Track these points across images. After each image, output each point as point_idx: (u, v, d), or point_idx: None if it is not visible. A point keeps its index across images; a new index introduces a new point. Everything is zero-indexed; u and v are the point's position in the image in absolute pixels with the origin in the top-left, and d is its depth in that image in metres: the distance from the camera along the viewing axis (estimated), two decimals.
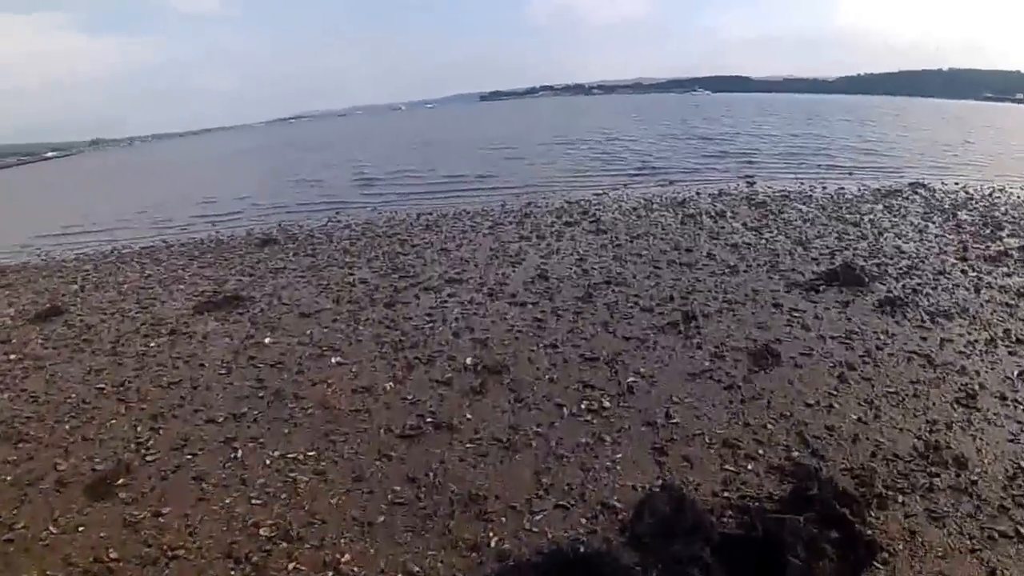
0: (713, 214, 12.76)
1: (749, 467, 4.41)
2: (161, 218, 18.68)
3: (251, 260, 11.72)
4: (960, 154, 23.53)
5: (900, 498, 4.02)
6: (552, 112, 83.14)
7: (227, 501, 4.48)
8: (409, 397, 5.75)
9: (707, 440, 4.77)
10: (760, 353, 6.05)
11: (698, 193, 15.52)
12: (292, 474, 4.73)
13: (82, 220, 19.48)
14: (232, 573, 3.79)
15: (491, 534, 3.95)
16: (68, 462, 5.14)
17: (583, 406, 5.34)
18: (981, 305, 7.22)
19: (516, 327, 7.23)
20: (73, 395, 6.31)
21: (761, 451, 4.59)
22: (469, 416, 5.34)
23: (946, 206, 12.76)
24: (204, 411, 5.81)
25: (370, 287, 9.30)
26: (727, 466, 4.44)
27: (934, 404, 5.14)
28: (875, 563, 3.46)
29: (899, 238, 10.36)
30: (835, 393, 5.35)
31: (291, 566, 3.81)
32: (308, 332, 7.57)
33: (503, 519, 4.08)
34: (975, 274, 8.32)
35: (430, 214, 15.21)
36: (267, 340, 7.40)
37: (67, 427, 5.69)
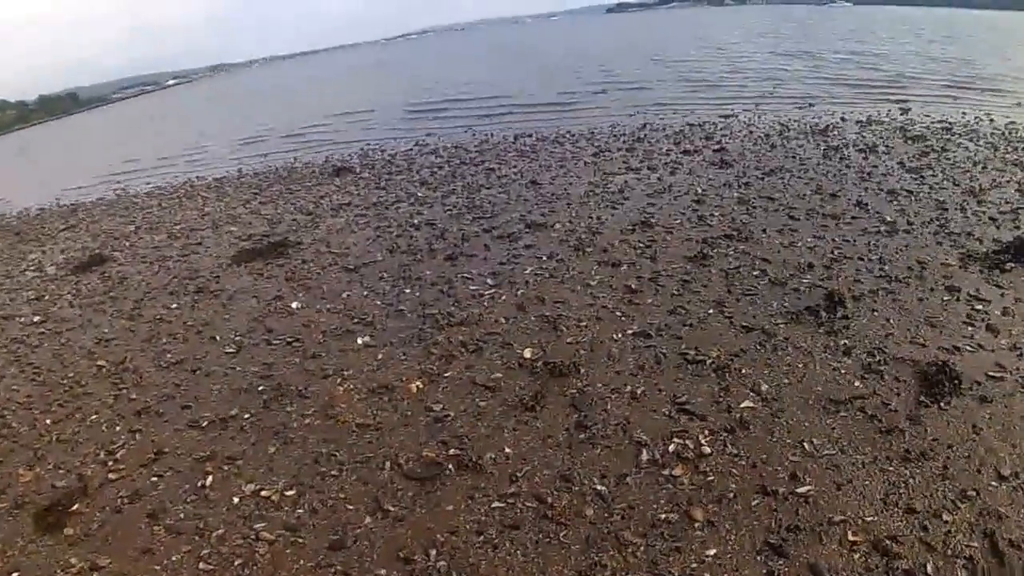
0: (862, 147, 10.00)
1: None
2: (244, 145, 18.13)
3: (317, 193, 10.63)
4: None
5: None
6: (679, 26, 74.76)
7: (173, 559, 3.43)
8: (436, 408, 4.29)
9: (850, 535, 3.07)
10: (933, 373, 4.12)
11: (843, 119, 12.43)
12: (258, 526, 3.53)
13: (172, 150, 19.44)
14: None
15: None
16: (33, 472, 4.37)
17: (671, 449, 3.71)
18: None
19: (600, 300, 5.52)
20: (72, 374, 5.54)
21: (931, 568, 2.87)
22: (508, 451, 3.82)
23: None
24: (193, 408, 4.74)
25: (436, 231, 7.82)
26: None
27: None
28: None
29: None
30: None
31: None
32: (344, 295, 6.27)
33: None
34: None
35: (528, 136, 13.34)
36: (295, 304, 6.21)
37: (48, 421, 4.90)
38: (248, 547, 3.41)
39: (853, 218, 6.92)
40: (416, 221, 8.36)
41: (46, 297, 7.56)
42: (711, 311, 5.17)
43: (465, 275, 6.39)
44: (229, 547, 3.43)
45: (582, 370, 4.53)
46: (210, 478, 3.97)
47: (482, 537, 3.26)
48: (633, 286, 5.71)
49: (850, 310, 4.99)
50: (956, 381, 4.04)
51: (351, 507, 3.57)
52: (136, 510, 3.83)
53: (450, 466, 3.75)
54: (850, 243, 6.26)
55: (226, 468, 4.03)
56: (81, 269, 8.38)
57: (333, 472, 3.84)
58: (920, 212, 6.98)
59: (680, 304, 5.31)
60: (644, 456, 3.66)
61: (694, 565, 2.96)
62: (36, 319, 6.87)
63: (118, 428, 4.63)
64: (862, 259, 5.90)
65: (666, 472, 3.53)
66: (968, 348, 4.42)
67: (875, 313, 4.97)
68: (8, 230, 12.01)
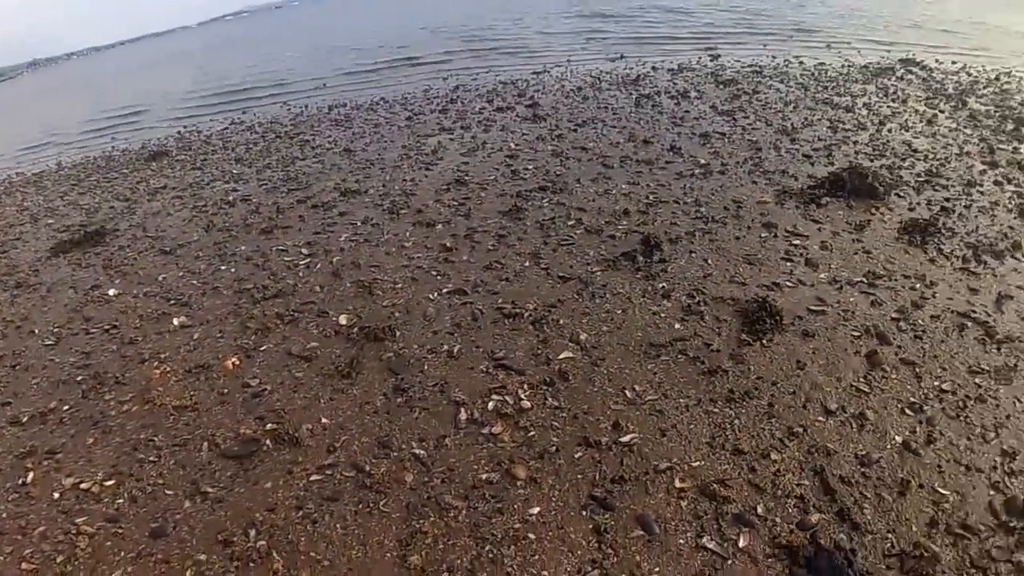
0: (674, 94, 10.42)
1: (740, 542, 2.83)
2: (62, 138, 16.53)
3: (134, 180, 10.12)
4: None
5: None
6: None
7: None
8: (253, 384, 4.26)
9: (677, 481, 3.13)
10: (754, 310, 4.29)
11: (654, 68, 12.80)
12: (79, 520, 3.42)
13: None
14: None
15: None
16: None
17: (490, 407, 3.75)
18: None
19: (415, 261, 5.55)
20: None
21: (761, 509, 2.97)
22: (325, 421, 3.84)
23: (950, 90, 9.85)
24: (13, 404, 4.51)
25: (251, 206, 7.63)
26: (706, 541, 2.84)
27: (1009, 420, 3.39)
28: None
29: (906, 130, 7.92)
30: (866, 390, 3.63)
31: None
32: (161, 278, 6.06)
33: None
34: (1013, 188, 6.10)
35: (343, 106, 13.17)
36: (112, 292, 5.94)
37: None
38: (69, 542, 3.28)
39: (667, 163, 7.14)
40: (231, 198, 8.11)
41: None
42: (527, 264, 5.23)
43: (279, 247, 6.28)
44: (51, 544, 3.29)
45: (398, 333, 4.52)
46: (31, 474, 3.78)
47: (301, 512, 3.22)
48: (448, 244, 5.72)
49: (667, 253, 5.12)
50: (777, 317, 4.16)
51: (170, 492, 3.51)
52: None
53: (267, 441, 3.72)
54: (665, 187, 6.43)
55: (46, 463, 3.87)
56: None
57: (151, 458, 3.75)
58: (734, 153, 7.28)
59: (496, 259, 5.36)
60: (463, 415, 3.67)
61: (517, 525, 2.95)
62: None
63: None
64: (677, 202, 6.06)
65: (486, 431, 3.54)
66: (788, 284, 4.61)
67: (693, 255, 5.09)
68: None
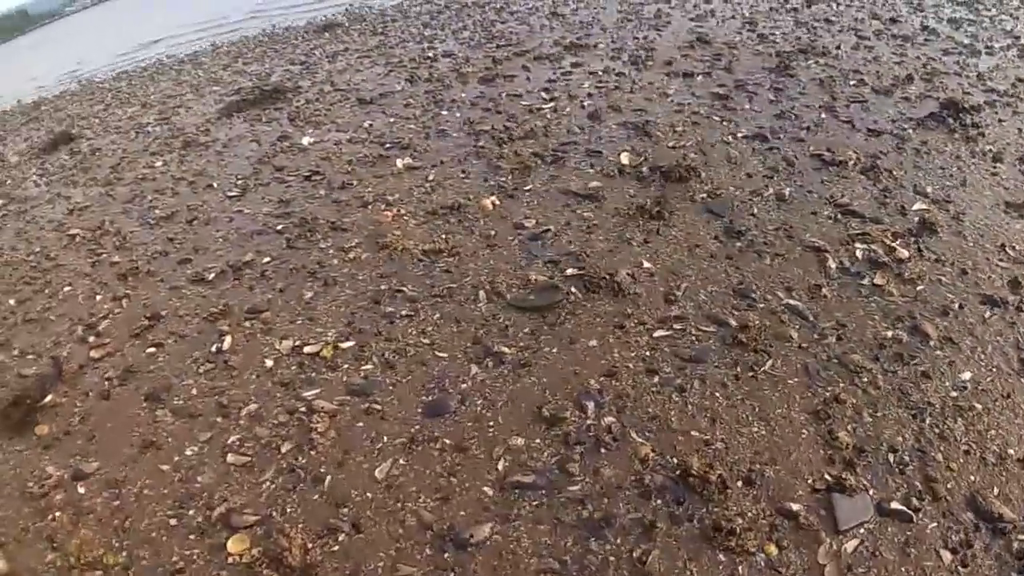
0: None
1: None
2: (212, 23, 16.09)
3: (306, 47, 9.22)
4: None
5: None
6: None
7: (187, 454, 2.49)
8: (528, 224, 3.25)
9: None
10: None
11: None
12: (308, 394, 2.58)
13: (131, 39, 17.39)
14: None
15: None
16: None
17: (859, 255, 2.88)
18: None
19: (688, 107, 4.46)
20: (38, 248, 4.45)
21: None
22: (648, 266, 2.88)
23: None
24: (193, 261, 3.71)
25: (457, 61, 6.53)
26: None
27: None
28: None
29: None
30: None
31: None
32: (366, 124, 5.11)
33: None
34: None
35: None
36: (306, 140, 5.07)
37: (12, 301, 3.86)
38: (298, 425, 2.44)
39: (926, 40, 5.68)
40: (431, 54, 7.00)
41: (7, 183, 6.32)
42: (824, 116, 4.23)
43: (510, 93, 5.24)
44: (269, 427, 2.48)
45: (702, 174, 3.59)
46: (228, 339, 2.96)
47: (657, 379, 2.36)
48: (720, 93, 4.67)
49: (978, 118, 4.06)
50: None
51: (443, 355, 2.57)
52: (130, 393, 2.84)
53: (572, 289, 2.68)
54: (936, 60, 5.12)
55: (249, 324, 3.04)
56: (46, 150, 7.12)
57: (404, 312, 2.83)
58: (994, 36, 5.62)
59: (783, 109, 4.33)
60: (831, 264, 2.83)
61: (953, 393, 2.21)
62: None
63: (98, 297, 3.62)
64: (958, 75, 4.80)
65: (865, 281, 2.74)
66: None
67: (1003, 122, 4.06)
68: None
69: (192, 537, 2.20)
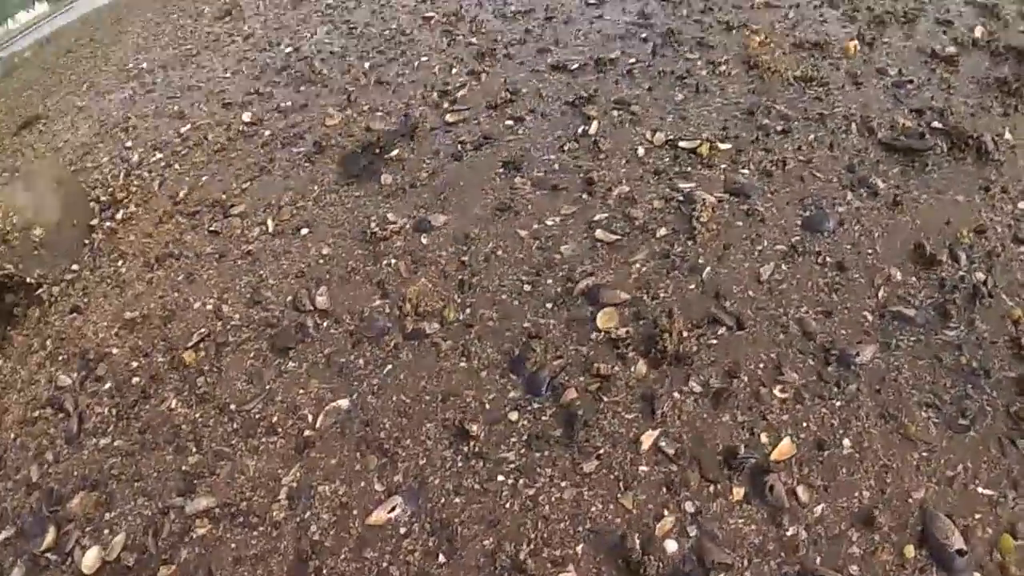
0: None
1: None
2: None
3: None
4: None
5: None
6: None
7: (549, 223, 2.85)
8: (891, 72, 3.43)
9: None
10: None
11: None
12: (683, 185, 2.91)
13: None
14: None
15: None
16: (343, 115, 3.89)
17: None
18: None
19: None
20: (394, 26, 4.83)
21: None
22: (1009, 138, 2.96)
23: None
24: (553, 52, 4.04)
25: None
26: None
27: None
28: None
29: None
30: None
31: None
32: None
33: None
34: None
35: None
36: None
37: (367, 65, 4.37)
38: (676, 212, 2.77)
39: None
40: None
41: None
42: None
43: None
44: (643, 211, 2.80)
45: None
46: (594, 124, 3.38)
47: (1022, 248, 2.47)
48: None
49: None
50: None
51: (820, 176, 2.87)
52: (485, 157, 3.25)
53: (938, 141, 2.96)
54: None
55: (616, 114, 3.43)
56: None
57: (779, 128, 3.19)
58: None
59: None
60: None
61: None
62: None
63: (454, 71, 4.10)
64: None
65: None
66: None
67: None
68: None
69: (549, 306, 2.44)
